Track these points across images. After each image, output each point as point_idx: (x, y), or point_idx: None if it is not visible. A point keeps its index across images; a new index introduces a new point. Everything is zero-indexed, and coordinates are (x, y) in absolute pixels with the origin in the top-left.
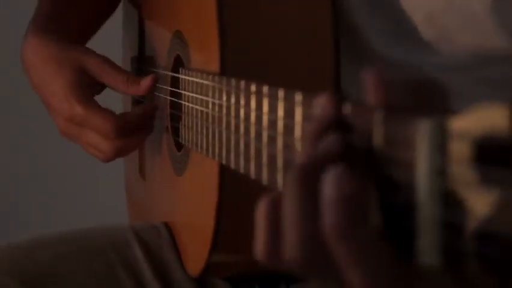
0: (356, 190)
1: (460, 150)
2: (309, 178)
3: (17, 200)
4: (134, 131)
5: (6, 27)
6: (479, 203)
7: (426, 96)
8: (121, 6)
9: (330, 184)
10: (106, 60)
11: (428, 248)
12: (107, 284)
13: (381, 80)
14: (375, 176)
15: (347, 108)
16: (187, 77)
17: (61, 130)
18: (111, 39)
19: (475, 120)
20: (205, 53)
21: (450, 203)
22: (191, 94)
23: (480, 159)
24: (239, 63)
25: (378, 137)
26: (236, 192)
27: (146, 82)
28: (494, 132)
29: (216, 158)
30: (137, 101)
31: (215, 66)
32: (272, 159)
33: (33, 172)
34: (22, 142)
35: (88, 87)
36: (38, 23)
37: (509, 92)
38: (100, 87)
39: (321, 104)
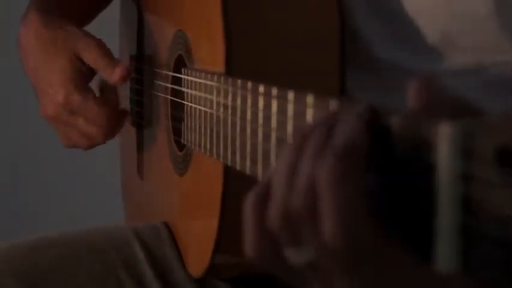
0: (364, 142)
1: (482, 153)
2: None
3: (18, 199)
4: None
5: (6, 27)
6: (503, 207)
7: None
8: (118, 3)
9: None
10: (100, 44)
11: (447, 253)
12: (107, 284)
13: (429, 86)
14: (395, 179)
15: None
16: (190, 78)
17: (47, 114)
18: (109, 37)
19: (498, 124)
20: (210, 53)
21: (472, 207)
22: (195, 94)
23: (503, 163)
24: (244, 63)
25: (398, 139)
26: (240, 193)
27: (118, 73)
28: None
29: (221, 159)
30: (135, 100)
31: (220, 66)
32: None
33: (34, 172)
34: (22, 142)
35: (84, 73)
36: (40, 6)
37: (510, 96)
38: (93, 74)
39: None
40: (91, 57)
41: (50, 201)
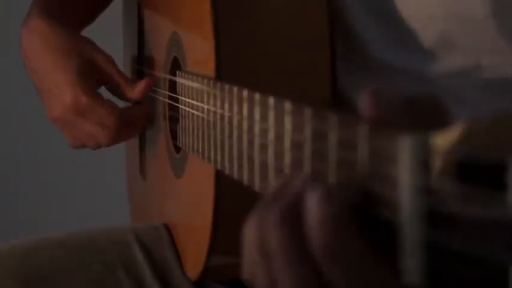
0: (339, 208)
1: (441, 167)
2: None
3: (17, 200)
4: (132, 125)
5: (6, 26)
6: (464, 221)
7: (425, 112)
8: (121, 4)
9: (314, 207)
10: (112, 60)
11: (412, 267)
12: (107, 285)
13: (377, 97)
14: (360, 193)
15: (333, 121)
16: (183, 81)
17: (55, 116)
18: (112, 37)
19: (457, 137)
20: (201, 56)
21: (433, 221)
22: (187, 99)
23: (462, 176)
24: (234, 67)
25: (362, 152)
26: (233, 195)
27: (140, 87)
28: (476, 149)
29: (212, 163)
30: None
31: (210, 69)
32: (264, 166)
33: (34, 172)
34: (22, 142)
35: (93, 79)
36: (43, 7)
37: (509, 97)
38: (100, 83)
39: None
40: (105, 65)
41: (50, 201)
